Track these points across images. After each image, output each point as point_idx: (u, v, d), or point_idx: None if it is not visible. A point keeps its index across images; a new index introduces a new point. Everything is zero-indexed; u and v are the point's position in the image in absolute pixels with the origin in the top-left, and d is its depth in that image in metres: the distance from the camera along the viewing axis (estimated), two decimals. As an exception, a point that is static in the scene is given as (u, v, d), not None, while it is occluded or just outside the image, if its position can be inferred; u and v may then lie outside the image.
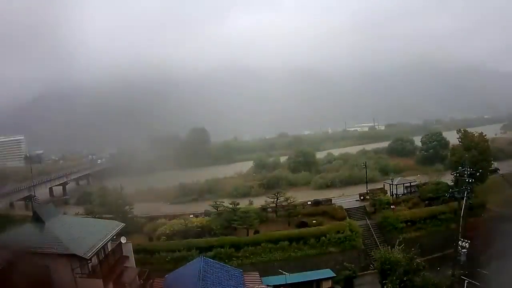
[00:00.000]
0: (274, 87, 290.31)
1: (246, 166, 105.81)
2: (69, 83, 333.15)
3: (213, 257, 35.77)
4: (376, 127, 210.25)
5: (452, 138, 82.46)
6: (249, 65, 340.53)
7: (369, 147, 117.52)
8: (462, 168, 38.87)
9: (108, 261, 26.94)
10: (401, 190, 60.28)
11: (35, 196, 76.79)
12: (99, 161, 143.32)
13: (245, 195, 69.91)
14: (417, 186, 61.67)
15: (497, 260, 37.42)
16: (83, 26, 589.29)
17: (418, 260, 33.95)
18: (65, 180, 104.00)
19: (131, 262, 30.37)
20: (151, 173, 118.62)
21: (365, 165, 68.74)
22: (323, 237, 45.42)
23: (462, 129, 58.45)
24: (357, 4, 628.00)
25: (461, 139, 56.88)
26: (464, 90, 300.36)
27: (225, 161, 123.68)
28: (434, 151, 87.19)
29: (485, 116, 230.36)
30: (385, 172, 79.74)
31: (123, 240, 29.94)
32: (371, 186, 64.17)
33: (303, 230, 47.71)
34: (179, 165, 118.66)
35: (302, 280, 36.64)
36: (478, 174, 41.03)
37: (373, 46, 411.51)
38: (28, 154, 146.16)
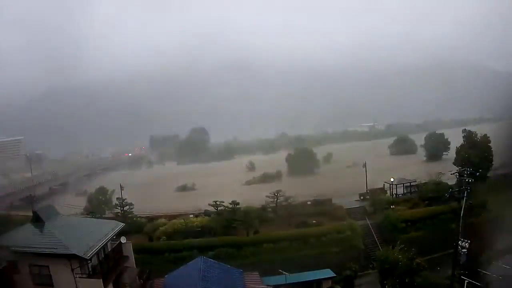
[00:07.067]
0: (274, 87, 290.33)
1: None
2: (70, 82, 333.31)
3: (213, 257, 35.70)
4: (376, 126, 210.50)
5: (452, 137, 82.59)
6: (249, 64, 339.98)
7: (369, 147, 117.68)
8: (462, 168, 38.84)
9: (108, 261, 26.92)
10: (401, 190, 60.18)
11: (35, 196, 76.68)
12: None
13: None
14: (417, 186, 61.53)
15: (497, 260, 37.39)
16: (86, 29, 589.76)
17: (418, 260, 33.89)
18: (65, 180, 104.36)
19: (131, 262, 30.33)
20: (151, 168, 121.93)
21: (365, 165, 68.51)
22: (323, 237, 45.35)
23: (466, 129, 58.75)
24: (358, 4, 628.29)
25: (465, 138, 57.07)
26: (464, 90, 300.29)
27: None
28: (436, 151, 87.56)
29: (485, 116, 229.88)
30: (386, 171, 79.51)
31: (123, 240, 29.89)
32: (371, 186, 63.90)
33: (303, 230, 47.63)
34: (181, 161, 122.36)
35: (302, 280, 36.58)
36: (478, 174, 40.92)
37: (373, 46, 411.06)
38: (28, 154, 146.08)
